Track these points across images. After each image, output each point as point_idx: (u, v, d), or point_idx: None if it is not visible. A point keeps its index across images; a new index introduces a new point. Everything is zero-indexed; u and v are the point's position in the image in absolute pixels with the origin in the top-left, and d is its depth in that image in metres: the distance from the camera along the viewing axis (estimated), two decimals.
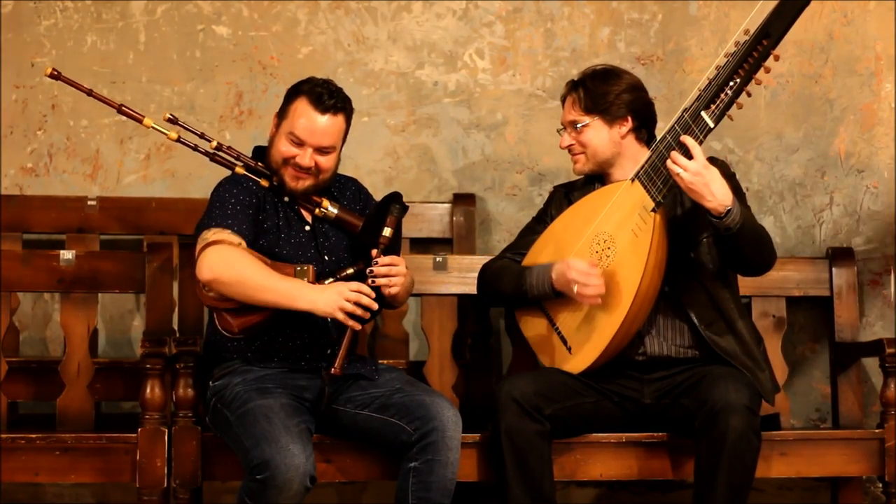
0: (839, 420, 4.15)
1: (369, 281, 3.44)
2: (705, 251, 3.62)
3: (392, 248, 3.52)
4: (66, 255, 3.79)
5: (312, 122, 3.51)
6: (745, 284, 3.87)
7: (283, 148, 3.53)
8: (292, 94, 3.56)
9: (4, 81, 4.46)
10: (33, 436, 3.58)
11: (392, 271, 3.47)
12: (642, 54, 4.53)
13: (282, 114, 3.57)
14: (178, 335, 3.75)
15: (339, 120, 3.55)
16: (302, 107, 3.51)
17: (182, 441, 3.57)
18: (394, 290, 3.49)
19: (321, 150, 3.53)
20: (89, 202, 4.35)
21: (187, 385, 3.58)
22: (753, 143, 4.51)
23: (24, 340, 4.40)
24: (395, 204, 3.53)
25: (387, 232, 3.50)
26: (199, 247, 3.44)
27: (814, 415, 4.44)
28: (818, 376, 4.43)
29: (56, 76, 3.63)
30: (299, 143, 3.52)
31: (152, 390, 3.57)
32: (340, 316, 3.37)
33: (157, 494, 3.57)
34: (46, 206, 4.34)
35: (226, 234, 3.43)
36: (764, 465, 3.60)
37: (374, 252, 3.48)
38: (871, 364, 4.24)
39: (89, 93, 3.65)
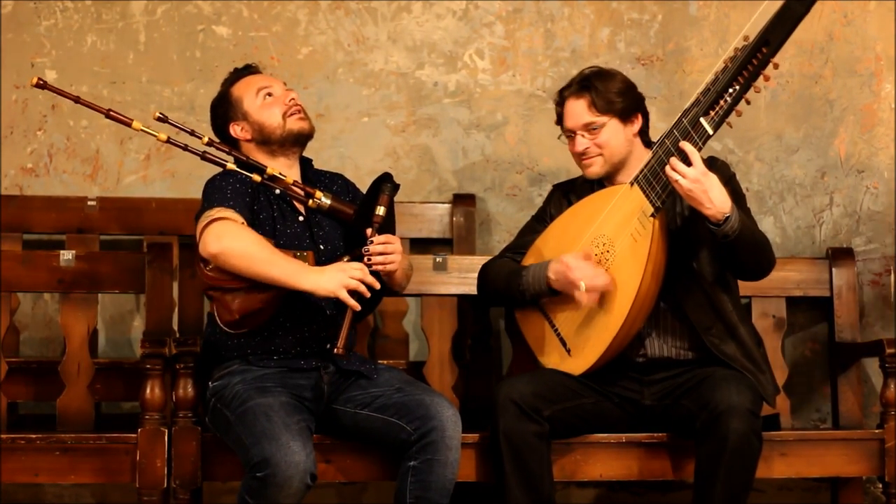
0: (839, 420, 4.15)
1: (366, 260, 3.45)
2: (704, 256, 3.62)
3: (386, 226, 3.53)
4: (66, 255, 3.79)
5: (258, 76, 3.69)
6: (745, 285, 3.87)
7: (273, 106, 3.62)
8: (223, 96, 3.68)
9: (4, 81, 4.47)
10: (33, 436, 3.58)
11: (388, 248, 3.49)
12: (642, 55, 4.53)
13: (235, 111, 3.64)
14: (178, 335, 3.75)
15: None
16: (240, 84, 3.66)
17: (182, 441, 3.57)
18: (391, 268, 3.50)
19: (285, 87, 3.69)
20: (89, 202, 4.35)
21: (187, 385, 3.58)
22: (753, 143, 4.51)
23: (24, 340, 4.40)
24: (386, 183, 3.55)
25: (380, 210, 3.51)
26: (201, 224, 3.44)
27: (814, 415, 4.44)
28: (818, 376, 4.43)
29: (42, 86, 3.61)
30: (272, 91, 3.64)
31: (152, 390, 3.57)
32: (343, 295, 3.38)
33: (157, 495, 3.57)
34: (46, 207, 4.34)
35: (229, 212, 3.45)
36: (764, 466, 3.60)
37: (370, 231, 3.50)
38: (871, 364, 4.24)
39: (76, 100, 3.63)
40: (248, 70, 3.70)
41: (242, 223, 3.45)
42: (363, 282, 3.39)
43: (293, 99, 3.64)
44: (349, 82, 4.51)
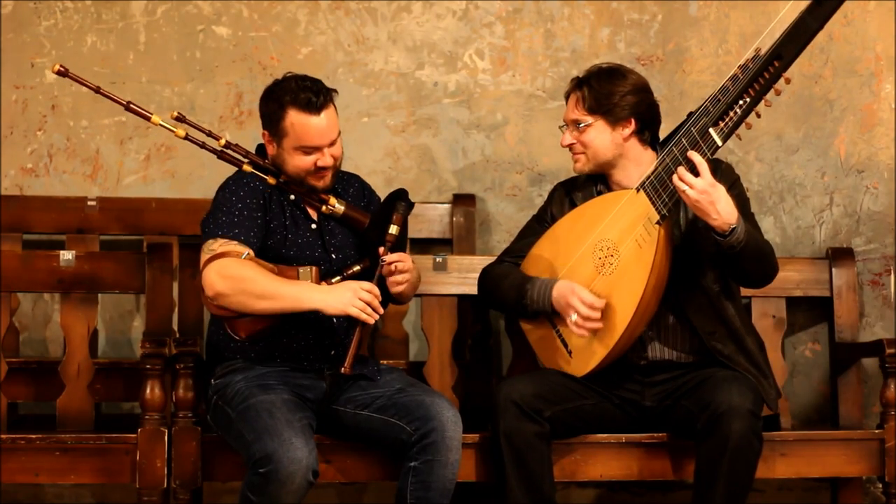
0: (839, 420, 4.15)
1: (376, 281, 3.45)
2: (708, 263, 3.61)
3: (398, 245, 3.53)
4: (66, 255, 3.79)
5: (315, 126, 3.50)
6: None
7: (300, 162, 3.53)
8: (277, 108, 3.52)
9: (4, 81, 4.46)
10: (33, 436, 3.58)
11: (399, 268, 3.48)
12: (642, 55, 4.52)
13: (275, 132, 3.54)
14: (178, 335, 3.75)
15: (332, 110, 3.56)
16: (297, 119, 3.50)
17: (182, 441, 3.57)
18: (401, 288, 3.50)
19: (331, 144, 3.55)
20: (89, 202, 4.35)
21: (187, 385, 3.58)
22: (753, 143, 4.51)
23: (24, 340, 4.40)
24: (400, 201, 3.53)
25: (393, 229, 3.51)
26: (203, 258, 3.44)
27: (814, 415, 4.44)
28: (818, 376, 4.43)
29: (63, 73, 3.59)
30: (314, 150, 3.52)
31: (152, 391, 3.58)
32: (354, 312, 3.38)
33: (157, 495, 3.57)
34: (46, 207, 4.34)
35: (232, 246, 3.43)
36: (764, 466, 3.60)
37: (381, 250, 3.49)
38: (871, 364, 4.24)
39: (97, 90, 3.62)
40: (318, 105, 3.50)
41: (247, 253, 3.42)
42: (371, 304, 3.40)
43: (325, 168, 3.53)
44: (349, 82, 4.51)
